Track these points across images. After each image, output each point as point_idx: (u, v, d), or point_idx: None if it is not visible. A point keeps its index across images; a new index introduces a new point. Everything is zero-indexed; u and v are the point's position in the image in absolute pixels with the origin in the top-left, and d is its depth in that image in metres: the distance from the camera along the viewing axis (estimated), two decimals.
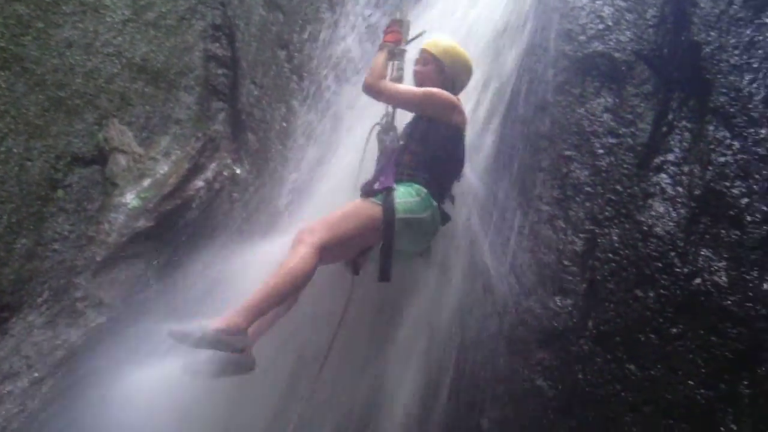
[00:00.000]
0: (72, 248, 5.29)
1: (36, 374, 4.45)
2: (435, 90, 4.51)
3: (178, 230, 5.40)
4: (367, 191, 4.24)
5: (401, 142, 4.52)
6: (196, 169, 5.60)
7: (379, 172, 4.40)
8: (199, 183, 5.57)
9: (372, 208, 4.10)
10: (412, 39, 4.90)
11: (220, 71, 6.76)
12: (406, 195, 4.21)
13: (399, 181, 4.28)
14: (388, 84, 4.59)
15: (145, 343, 4.27)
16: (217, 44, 6.86)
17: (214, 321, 3.47)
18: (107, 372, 4.49)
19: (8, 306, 5.01)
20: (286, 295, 3.77)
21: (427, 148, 4.42)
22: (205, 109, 6.52)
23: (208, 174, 5.67)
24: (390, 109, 4.80)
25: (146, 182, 5.46)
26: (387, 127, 4.73)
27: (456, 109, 4.53)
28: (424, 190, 4.29)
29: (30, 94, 5.85)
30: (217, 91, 6.66)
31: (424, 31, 4.96)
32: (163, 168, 5.62)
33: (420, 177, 4.34)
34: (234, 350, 3.55)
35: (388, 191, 4.16)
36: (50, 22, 6.17)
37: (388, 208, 4.09)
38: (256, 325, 3.77)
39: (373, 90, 4.55)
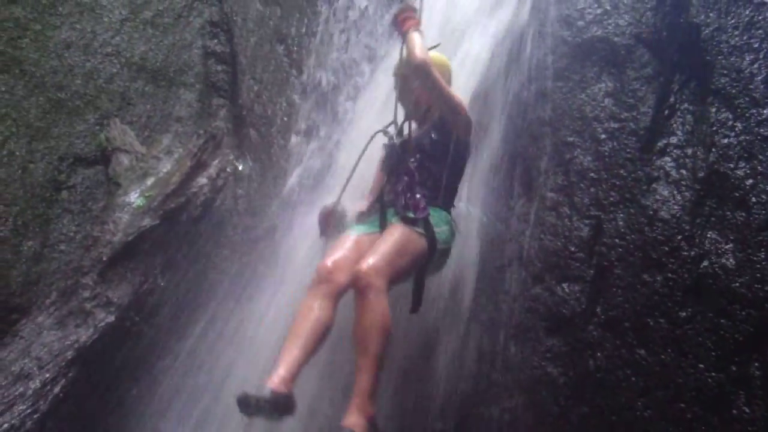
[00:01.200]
0: (78, 249, 5.31)
1: (47, 375, 4.47)
2: (463, 103, 4.47)
3: (183, 228, 5.41)
4: (407, 218, 4.10)
5: (417, 157, 4.41)
6: (198, 167, 5.60)
7: (406, 190, 4.26)
8: (203, 180, 5.57)
9: (419, 240, 4.02)
10: (429, 49, 4.76)
11: (219, 68, 6.76)
12: (439, 223, 4.17)
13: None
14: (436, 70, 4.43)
15: None
16: (216, 40, 6.87)
17: (355, 419, 3.40)
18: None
19: (17, 308, 5.04)
20: (386, 354, 3.70)
21: (441, 168, 4.37)
22: (205, 106, 6.54)
23: (211, 171, 5.67)
24: (399, 118, 4.64)
25: (150, 181, 5.47)
26: (404, 141, 4.53)
27: (472, 127, 4.50)
28: (449, 217, 4.29)
29: (30, 96, 5.86)
30: (217, 87, 6.67)
31: (439, 43, 4.86)
32: (166, 166, 5.63)
33: (440, 200, 4.33)
34: None
35: (427, 221, 4.09)
36: (47, 23, 6.17)
37: (432, 241, 4.06)
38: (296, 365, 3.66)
39: (426, 70, 4.34)
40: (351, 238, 4.21)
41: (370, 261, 3.79)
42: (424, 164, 4.36)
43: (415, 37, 4.43)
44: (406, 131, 4.62)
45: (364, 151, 4.55)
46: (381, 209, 4.39)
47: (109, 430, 4.82)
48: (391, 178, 4.49)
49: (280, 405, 3.40)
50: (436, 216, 4.17)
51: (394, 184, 4.40)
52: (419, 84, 4.46)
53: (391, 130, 4.66)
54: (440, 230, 4.12)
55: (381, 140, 4.75)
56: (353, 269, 3.81)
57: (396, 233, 4.02)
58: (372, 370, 3.54)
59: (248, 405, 3.37)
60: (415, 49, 4.37)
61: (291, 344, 3.67)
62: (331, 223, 4.48)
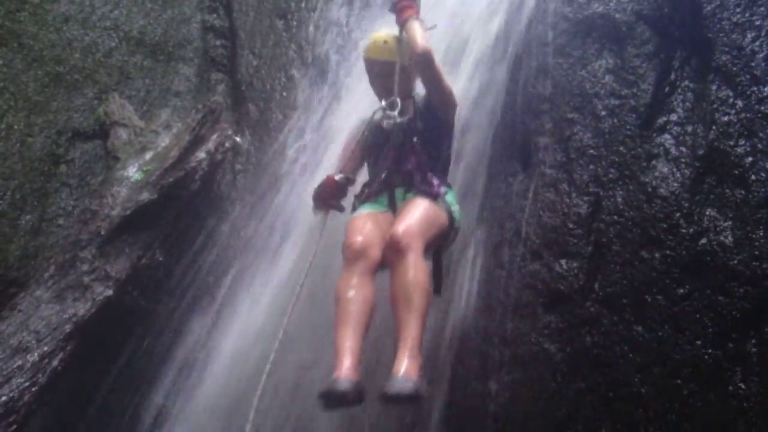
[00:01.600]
0: (76, 223, 5.30)
1: (45, 348, 4.47)
2: (453, 91, 4.42)
3: (182, 202, 5.40)
4: (429, 192, 4.04)
5: (418, 137, 4.30)
6: (197, 141, 5.57)
7: (417, 169, 4.20)
8: (201, 154, 5.54)
9: (443, 213, 3.99)
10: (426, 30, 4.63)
11: (218, 42, 6.74)
12: (453, 201, 4.14)
13: None
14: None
15: None
16: (215, 15, 6.83)
17: (408, 367, 3.32)
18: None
19: (16, 282, 5.05)
20: (428, 311, 3.65)
21: (438, 148, 4.34)
22: (204, 81, 6.52)
23: (210, 145, 5.64)
24: (398, 98, 4.36)
25: (148, 155, 5.45)
26: (409, 120, 4.35)
27: (456, 110, 4.47)
28: (455, 195, 4.27)
29: (28, 70, 5.83)
30: (216, 62, 6.65)
31: (435, 25, 4.75)
32: (164, 140, 5.61)
33: (444, 179, 4.28)
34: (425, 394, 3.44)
35: (444, 198, 4.06)
36: None
37: (451, 217, 4.04)
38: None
39: (430, 60, 4.19)
40: (364, 215, 4.15)
41: (404, 226, 3.73)
42: (424, 144, 4.31)
43: (415, 26, 4.27)
44: (404, 111, 4.51)
45: (365, 130, 4.48)
46: (389, 189, 4.32)
47: (106, 402, 4.85)
48: (392, 157, 4.35)
49: (360, 393, 3.39)
50: (450, 194, 4.16)
51: (399, 164, 4.32)
52: (421, 73, 4.38)
53: (391, 109, 4.52)
54: (454, 209, 4.10)
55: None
56: (387, 237, 3.77)
57: (421, 205, 3.95)
58: (419, 323, 3.49)
59: (332, 400, 3.36)
60: (417, 38, 4.21)
61: (345, 332, 3.61)
62: (333, 195, 4.40)
